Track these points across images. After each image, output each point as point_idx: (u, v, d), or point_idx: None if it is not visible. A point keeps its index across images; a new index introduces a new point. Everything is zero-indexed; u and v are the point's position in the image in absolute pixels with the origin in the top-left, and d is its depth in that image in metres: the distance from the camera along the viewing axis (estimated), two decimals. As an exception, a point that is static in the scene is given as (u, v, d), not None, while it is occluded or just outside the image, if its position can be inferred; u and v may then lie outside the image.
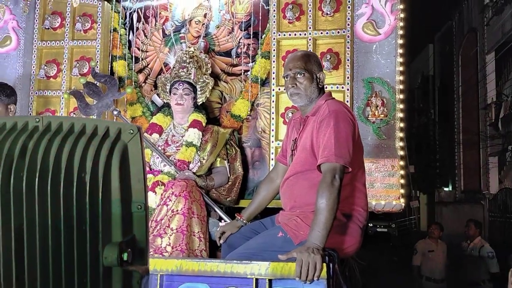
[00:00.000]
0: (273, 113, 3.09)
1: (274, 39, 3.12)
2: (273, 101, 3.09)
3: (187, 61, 3.00)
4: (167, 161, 2.78)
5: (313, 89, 2.07)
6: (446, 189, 15.47)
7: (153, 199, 2.54)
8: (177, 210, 2.44)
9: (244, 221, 2.29)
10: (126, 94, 3.14)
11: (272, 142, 3.07)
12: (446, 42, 15.41)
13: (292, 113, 3.00)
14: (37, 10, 3.41)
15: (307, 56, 2.12)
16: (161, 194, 2.52)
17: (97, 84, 3.16)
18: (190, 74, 2.97)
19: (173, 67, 3.11)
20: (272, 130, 3.08)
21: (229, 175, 2.93)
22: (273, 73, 3.11)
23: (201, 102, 3.04)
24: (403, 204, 2.78)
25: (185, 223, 2.42)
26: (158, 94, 3.32)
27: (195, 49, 3.14)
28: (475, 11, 12.51)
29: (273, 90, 3.10)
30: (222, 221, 2.45)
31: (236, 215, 2.32)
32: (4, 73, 3.34)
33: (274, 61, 3.11)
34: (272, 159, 3.05)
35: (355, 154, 1.91)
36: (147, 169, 2.79)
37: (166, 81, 3.07)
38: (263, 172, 3.16)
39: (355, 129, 1.96)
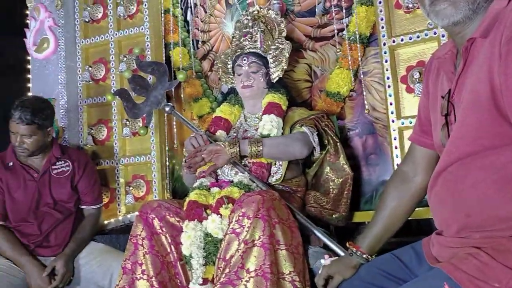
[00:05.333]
0: (388, 78, 2.05)
1: (377, -31, 2.10)
2: (386, 61, 2.06)
3: (250, 24, 2.11)
4: (238, 167, 1.90)
5: None
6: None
7: (217, 225, 1.66)
8: (253, 241, 1.53)
9: (364, 256, 1.30)
10: (179, 81, 2.34)
11: (393, 122, 2.03)
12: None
13: (419, 73, 1.95)
14: (76, 2, 2.80)
15: None
16: (228, 217, 1.64)
17: (147, 78, 2.43)
18: (256, 41, 2.07)
19: (233, 37, 2.24)
20: (391, 104, 2.04)
21: (314, 145, 1.93)
22: (381, 19, 2.08)
23: (276, 78, 2.12)
24: None
25: (267, 260, 1.51)
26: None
27: (261, 8, 2.24)
28: None
29: (384, 45, 2.07)
30: (326, 256, 1.45)
31: (348, 245, 1.34)
32: (45, 84, 2.77)
33: (380, 2, 2.09)
34: (396, 147, 2.01)
35: None
36: (213, 180, 1.94)
37: (226, 58, 2.21)
38: (383, 168, 2.13)
39: None
